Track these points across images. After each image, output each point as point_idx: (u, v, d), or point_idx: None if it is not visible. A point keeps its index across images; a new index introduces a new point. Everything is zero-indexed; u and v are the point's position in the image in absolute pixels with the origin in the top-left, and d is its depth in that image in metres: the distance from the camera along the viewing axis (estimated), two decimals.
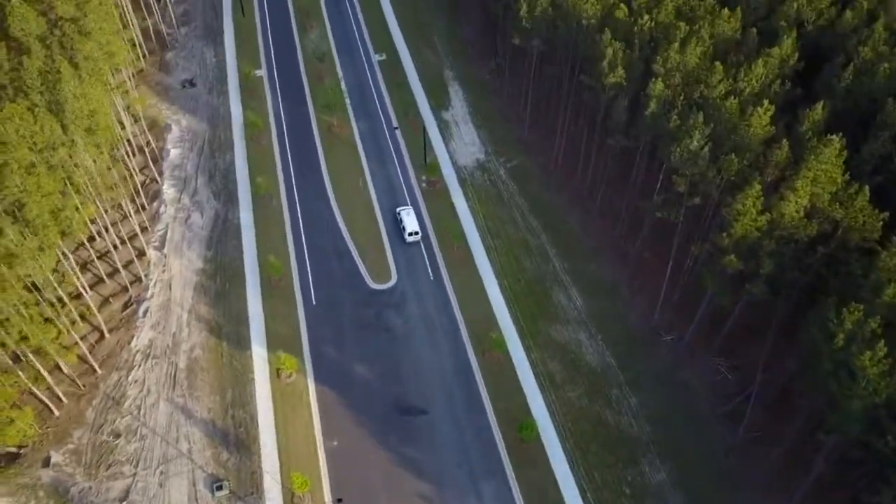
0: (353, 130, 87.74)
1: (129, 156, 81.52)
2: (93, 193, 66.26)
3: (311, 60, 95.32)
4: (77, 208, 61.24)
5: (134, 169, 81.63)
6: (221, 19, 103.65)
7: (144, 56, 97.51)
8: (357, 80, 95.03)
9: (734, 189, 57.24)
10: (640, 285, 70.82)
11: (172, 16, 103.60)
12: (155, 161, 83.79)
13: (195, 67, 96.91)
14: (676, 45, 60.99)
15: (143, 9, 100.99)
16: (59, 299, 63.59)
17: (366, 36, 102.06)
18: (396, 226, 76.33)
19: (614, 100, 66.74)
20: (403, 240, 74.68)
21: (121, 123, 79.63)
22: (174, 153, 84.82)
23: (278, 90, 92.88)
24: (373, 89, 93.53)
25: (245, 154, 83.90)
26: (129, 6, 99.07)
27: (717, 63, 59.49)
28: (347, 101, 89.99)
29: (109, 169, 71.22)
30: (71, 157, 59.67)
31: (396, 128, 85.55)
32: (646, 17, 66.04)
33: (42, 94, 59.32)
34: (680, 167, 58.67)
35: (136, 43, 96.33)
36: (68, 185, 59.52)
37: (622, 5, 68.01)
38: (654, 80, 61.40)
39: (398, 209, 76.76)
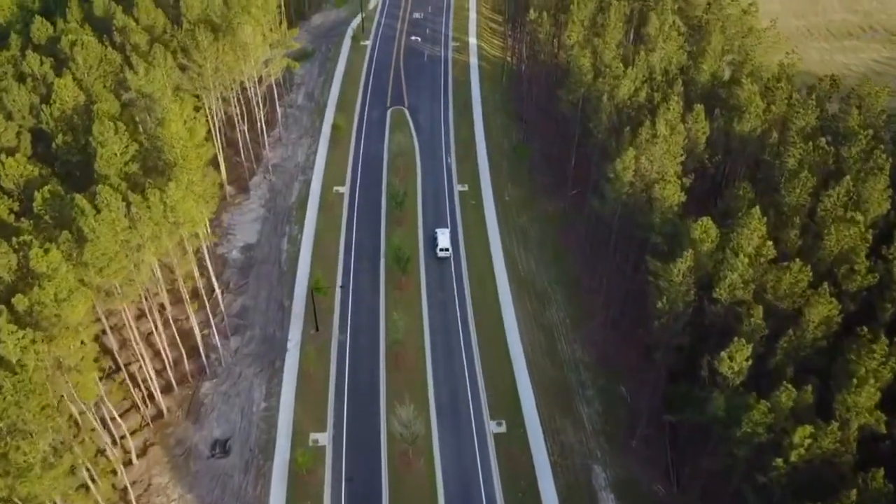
0: None
1: None
2: None
3: (396, 434, 64.53)
4: None
5: None
6: (286, 330, 74.97)
7: (171, 389, 70.00)
8: (457, 468, 63.07)
9: None
10: None
11: (223, 316, 76.28)
12: None
13: (235, 416, 68.14)
14: None
15: (179, 303, 73.39)
16: None
17: (481, 393, 70.02)
18: None
19: None
20: None
21: None
22: None
23: (342, 486, 62.06)
24: (482, 489, 61.21)
25: None
26: (168, 302, 73.09)
27: None
28: None
29: None
30: None
31: None
32: None
33: None
34: None
35: (164, 364, 69.53)
36: None
37: None
38: None
39: None
